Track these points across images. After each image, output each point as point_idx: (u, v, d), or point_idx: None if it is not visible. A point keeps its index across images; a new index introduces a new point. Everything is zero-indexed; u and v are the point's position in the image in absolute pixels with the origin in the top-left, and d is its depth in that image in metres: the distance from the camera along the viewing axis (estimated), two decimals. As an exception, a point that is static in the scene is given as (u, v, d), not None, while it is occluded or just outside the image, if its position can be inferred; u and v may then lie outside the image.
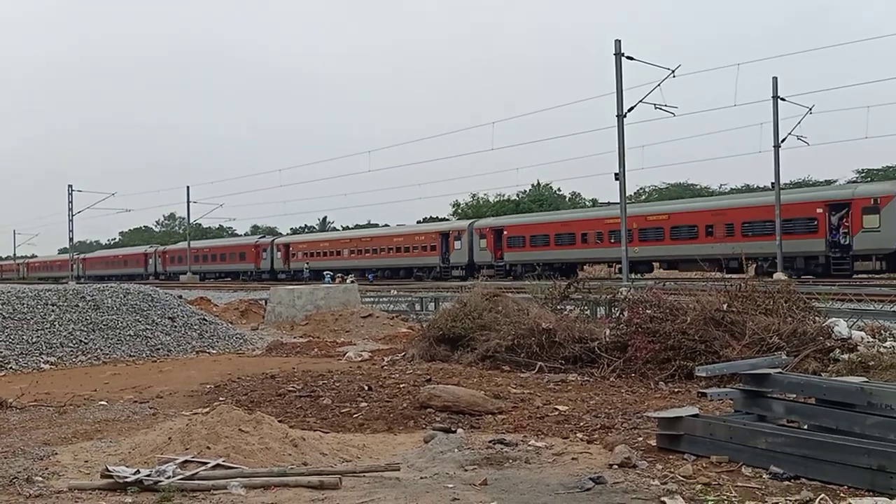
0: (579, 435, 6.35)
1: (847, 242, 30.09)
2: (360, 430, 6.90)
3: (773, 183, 32.96)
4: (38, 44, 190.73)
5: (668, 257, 36.28)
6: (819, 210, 30.85)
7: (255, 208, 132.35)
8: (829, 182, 52.46)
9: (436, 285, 33.81)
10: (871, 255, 29.48)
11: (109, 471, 5.05)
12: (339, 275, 46.50)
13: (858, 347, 8.47)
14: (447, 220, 62.90)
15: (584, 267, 40.45)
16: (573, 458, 5.60)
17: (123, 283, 21.70)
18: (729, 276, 21.89)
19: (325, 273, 46.66)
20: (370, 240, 53.61)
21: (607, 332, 9.96)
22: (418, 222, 63.78)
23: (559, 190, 75.28)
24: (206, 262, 65.53)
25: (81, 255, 79.98)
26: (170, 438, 5.60)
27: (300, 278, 52.35)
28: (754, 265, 31.38)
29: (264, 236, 66.15)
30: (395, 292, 27.92)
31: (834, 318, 9.55)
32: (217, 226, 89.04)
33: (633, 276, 31.35)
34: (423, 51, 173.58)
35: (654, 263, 37.45)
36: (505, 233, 44.22)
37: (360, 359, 12.00)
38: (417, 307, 20.96)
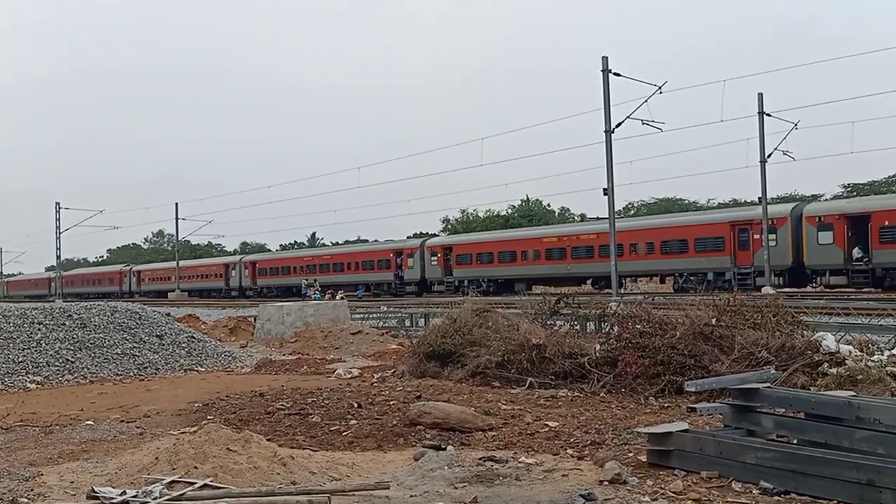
0: (570, 451, 6.33)
1: (402, 275, 51.41)
2: (349, 448, 6.86)
3: (759, 197, 33.29)
4: (22, 58, 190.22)
5: (339, 283, 54.30)
6: (391, 255, 52.76)
7: (244, 225, 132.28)
8: (815, 197, 53.19)
9: (426, 301, 34.07)
10: (411, 282, 50.68)
11: (95, 492, 5.00)
12: (330, 291, 48.38)
13: (846, 361, 8.50)
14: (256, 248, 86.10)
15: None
16: (563, 475, 5.58)
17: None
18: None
19: (316, 290, 49.40)
20: (189, 268, 72.32)
21: (597, 347, 9.95)
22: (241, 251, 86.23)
23: (549, 205, 75.55)
24: (86, 286, 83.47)
25: (5, 279, 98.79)
26: (157, 458, 5.54)
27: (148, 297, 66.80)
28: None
29: (127, 264, 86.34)
30: (386, 308, 27.87)
31: (822, 333, 9.59)
32: (206, 242, 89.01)
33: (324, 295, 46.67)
34: (412, 66, 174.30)
35: (331, 289, 56.98)
36: (257, 265, 64.99)
37: (349, 376, 11.94)
38: (407, 323, 20.93)
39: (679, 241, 36.74)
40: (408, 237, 63.81)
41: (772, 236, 33.03)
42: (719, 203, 60.42)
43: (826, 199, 45.70)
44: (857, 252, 31.13)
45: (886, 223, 30.33)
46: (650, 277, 41.46)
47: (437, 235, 58.82)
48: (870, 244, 30.65)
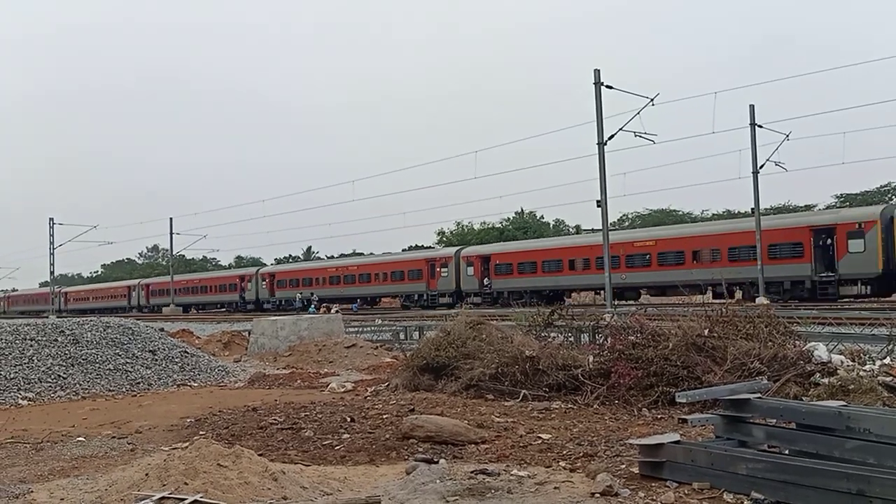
0: (562, 463, 6.32)
1: (244, 296, 64.86)
2: (341, 462, 6.83)
3: (752, 209, 33.43)
4: (14, 79, 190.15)
5: (202, 302, 70.39)
6: (237, 280, 67.06)
7: (239, 239, 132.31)
8: (808, 207, 53.50)
9: (420, 314, 34.11)
10: (250, 301, 64.10)
11: (85, 509, 4.96)
12: (325, 304, 49.19)
13: (838, 371, 8.50)
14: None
15: (165, 308, 70.25)
16: (555, 488, 5.57)
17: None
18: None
19: (313, 303, 50.90)
20: (100, 290, 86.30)
21: (591, 358, 9.94)
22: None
23: (542, 217, 75.68)
24: (27, 304, 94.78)
25: None
26: (147, 475, 5.51)
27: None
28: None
29: (59, 286, 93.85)
30: (380, 321, 27.82)
31: (814, 343, 9.60)
32: (201, 257, 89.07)
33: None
34: (406, 82, 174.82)
35: (192, 306, 71.02)
36: (151, 287, 76.77)
37: (343, 389, 11.91)
38: (402, 336, 20.90)
39: (400, 271, 52.95)
40: (239, 262, 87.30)
41: (445, 269, 49.29)
42: (713, 214, 60.68)
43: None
44: (486, 281, 46.88)
45: (498, 262, 46.38)
46: (392, 298, 56.37)
47: (272, 264, 73.41)
48: (490, 276, 46.52)
